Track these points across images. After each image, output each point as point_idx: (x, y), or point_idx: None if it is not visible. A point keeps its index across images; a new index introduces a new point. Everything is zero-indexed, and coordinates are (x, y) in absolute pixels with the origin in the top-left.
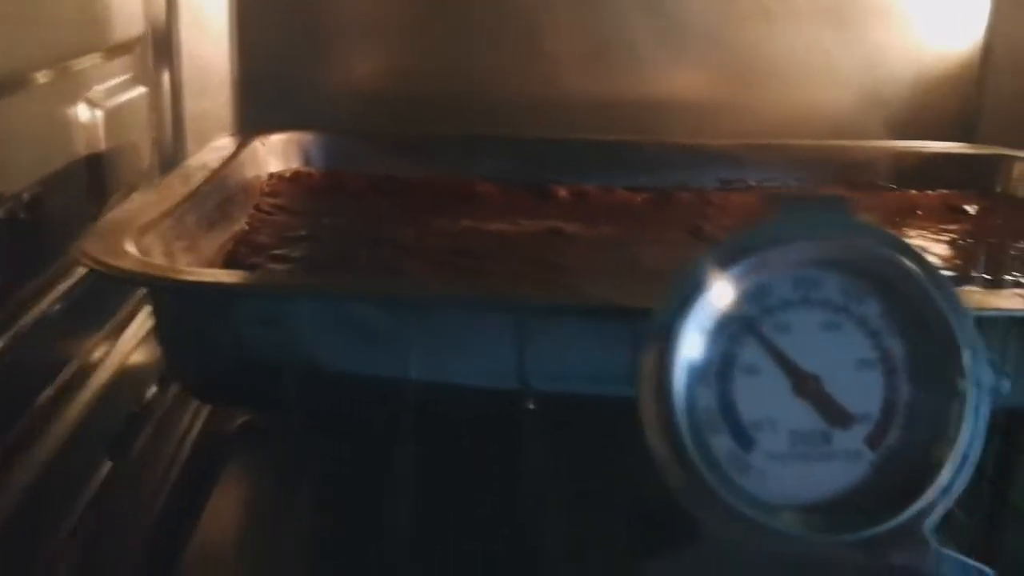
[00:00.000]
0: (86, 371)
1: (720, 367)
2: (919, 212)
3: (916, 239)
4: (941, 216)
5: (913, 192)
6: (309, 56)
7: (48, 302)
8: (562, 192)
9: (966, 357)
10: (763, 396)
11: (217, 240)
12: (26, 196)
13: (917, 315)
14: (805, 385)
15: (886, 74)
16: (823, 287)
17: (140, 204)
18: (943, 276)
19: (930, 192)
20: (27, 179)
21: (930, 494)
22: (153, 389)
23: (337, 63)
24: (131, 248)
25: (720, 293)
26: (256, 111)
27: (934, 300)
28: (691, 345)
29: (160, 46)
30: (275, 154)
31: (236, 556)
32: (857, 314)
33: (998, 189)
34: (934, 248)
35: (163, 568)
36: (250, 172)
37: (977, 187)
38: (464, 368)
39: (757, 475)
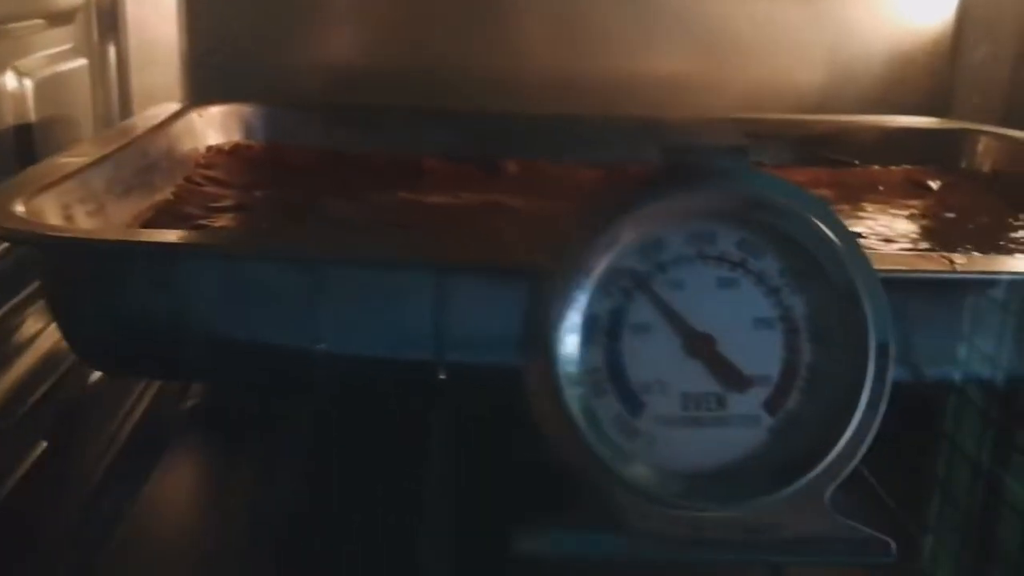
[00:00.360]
0: (24, 346)
1: (608, 325)
2: (881, 188)
3: (873, 214)
4: (904, 192)
5: (876, 168)
6: (261, 29)
7: None
8: (512, 167)
9: (871, 317)
10: (654, 356)
11: (133, 207)
12: None
13: (820, 272)
14: (698, 345)
15: (857, 49)
16: (719, 242)
17: (47, 166)
18: (850, 232)
19: (894, 168)
20: None
21: (830, 461)
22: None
23: (290, 36)
24: (20, 208)
25: (609, 247)
26: (206, 85)
27: (839, 256)
28: (577, 301)
29: (105, 18)
30: (214, 126)
31: (167, 539)
32: (755, 270)
33: (963, 164)
34: (890, 223)
35: (90, 549)
36: (186, 143)
37: (942, 162)
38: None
39: (646, 440)
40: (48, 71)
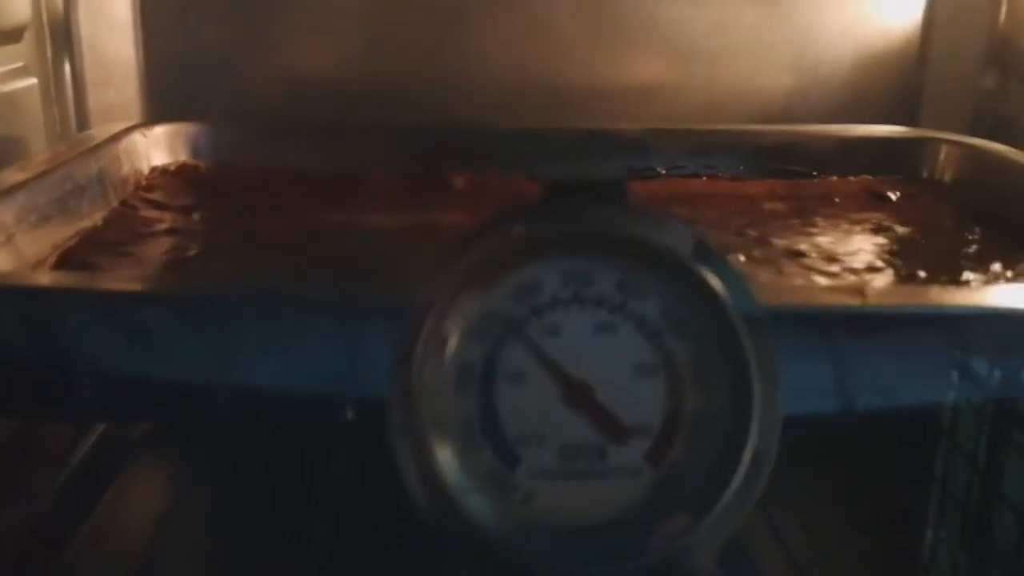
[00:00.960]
0: None
1: (482, 373)
2: (837, 200)
3: (824, 229)
4: (860, 203)
5: (834, 179)
6: (219, 45)
7: None
8: (459, 182)
9: (755, 362)
10: (530, 407)
11: (51, 236)
12: None
13: (702, 314)
14: (576, 395)
15: (821, 54)
16: (596, 283)
17: None
18: (732, 269)
19: (852, 178)
20: None
21: (715, 516)
22: None
23: (250, 52)
24: None
25: (480, 288)
26: (164, 103)
27: (720, 299)
28: (447, 348)
29: (58, 36)
30: (160, 146)
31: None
32: (636, 314)
33: (924, 174)
34: (839, 239)
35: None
36: (125, 165)
37: (902, 172)
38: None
39: (521, 496)
40: None
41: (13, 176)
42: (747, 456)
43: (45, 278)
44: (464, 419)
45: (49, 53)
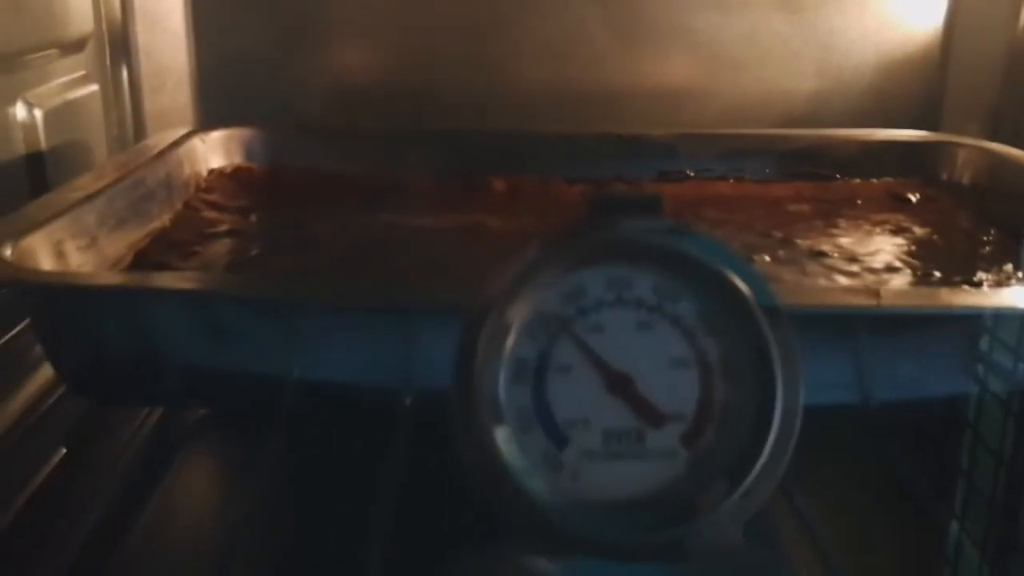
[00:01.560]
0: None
1: (535, 366)
2: (859, 201)
3: (846, 230)
4: (882, 205)
5: (857, 181)
6: (267, 53)
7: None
8: (498, 184)
9: (778, 357)
10: (577, 395)
11: (128, 238)
12: None
13: (730, 314)
14: (618, 384)
15: (845, 60)
16: (636, 287)
17: (42, 203)
18: (758, 274)
19: (875, 180)
20: None
21: (742, 492)
22: None
23: (297, 59)
24: (6, 252)
25: (534, 292)
26: (216, 108)
27: (746, 300)
28: (505, 344)
29: (117, 45)
30: (216, 150)
31: (178, 540)
32: (671, 314)
33: (944, 176)
34: (860, 239)
35: (107, 549)
36: (187, 168)
37: (923, 174)
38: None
39: (569, 474)
40: (59, 99)
41: (94, 183)
42: (770, 440)
43: (135, 278)
44: (519, 406)
45: (108, 62)
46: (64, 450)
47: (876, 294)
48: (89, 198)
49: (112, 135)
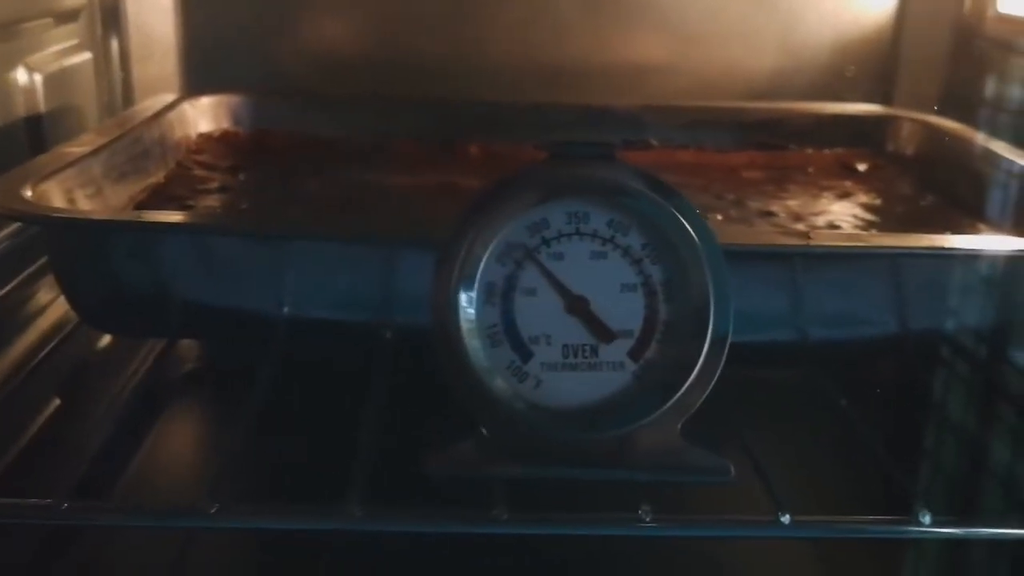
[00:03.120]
0: (36, 314)
1: (503, 289)
2: (811, 169)
3: (795, 194)
4: (832, 173)
5: (809, 151)
6: (250, 23)
7: None
8: (473, 149)
9: (712, 283)
10: (540, 314)
11: (128, 190)
12: None
13: (673, 246)
14: (575, 305)
15: (804, 37)
16: (592, 220)
17: (52, 156)
18: (696, 212)
19: (827, 151)
20: None
21: (679, 398)
22: (107, 337)
23: (277, 29)
24: (27, 193)
25: (503, 224)
26: (200, 76)
27: (687, 233)
28: (477, 269)
29: (108, 15)
30: (205, 115)
31: (169, 481)
32: (622, 245)
33: (890, 148)
34: (807, 202)
35: (100, 488)
36: (178, 131)
37: (872, 146)
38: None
39: (532, 382)
40: (56, 66)
41: (96, 139)
42: (703, 356)
43: (149, 215)
44: (490, 324)
45: (99, 31)
46: (58, 400)
47: (807, 235)
48: (94, 152)
49: (103, 101)
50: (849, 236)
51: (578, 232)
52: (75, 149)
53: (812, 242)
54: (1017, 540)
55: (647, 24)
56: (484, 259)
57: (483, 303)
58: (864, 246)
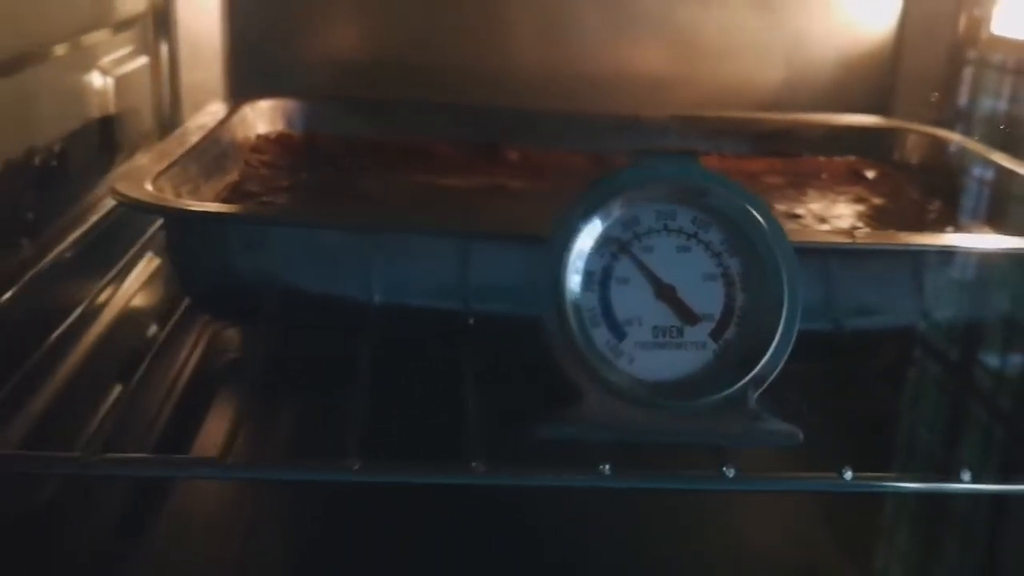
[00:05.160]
0: (97, 310)
1: (601, 278)
2: (824, 176)
3: (815, 198)
4: (844, 179)
5: (821, 159)
6: (290, 30)
7: (67, 244)
8: (512, 154)
9: (785, 274)
10: (633, 300)
11: (214, 188)
12: (56, 147)
13: (750, 241)
14: (664, 292)
15: (810, 54)
16: (679, 218)
17: (152, 156)
18: (769, 211)
19: (837, 159)
20: (55, 134)
21: (754, 375)
22: (153, 328)
23: (313, 36)
24: (149, 187)
25: (601, 220)
26: (243, 79)
27: (763, 232)
28: (579, 259)
29: (160, 22)
30: (262, 118)
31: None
32: (704, 240)
33: (895, 157)
34: (827, 206)
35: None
36: (239, 133)
37: (879, 155)
38: (415, 289)
39: (627, 359)
40: (120, 70)
41: (190, 139)
42: (776, 337)
43: (260, 209)
44: (590, 307)
45: (152, 38)
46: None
47: (851, 234)
48: (189, 152)
49: (155, 104)
50: (887, 235)
51: (666, 228)
52: (173, 148)
53: (857, 240)
54: None
55: (663, 38)
56: (587, 252)
57: (584, 289)
58: (898, 244)
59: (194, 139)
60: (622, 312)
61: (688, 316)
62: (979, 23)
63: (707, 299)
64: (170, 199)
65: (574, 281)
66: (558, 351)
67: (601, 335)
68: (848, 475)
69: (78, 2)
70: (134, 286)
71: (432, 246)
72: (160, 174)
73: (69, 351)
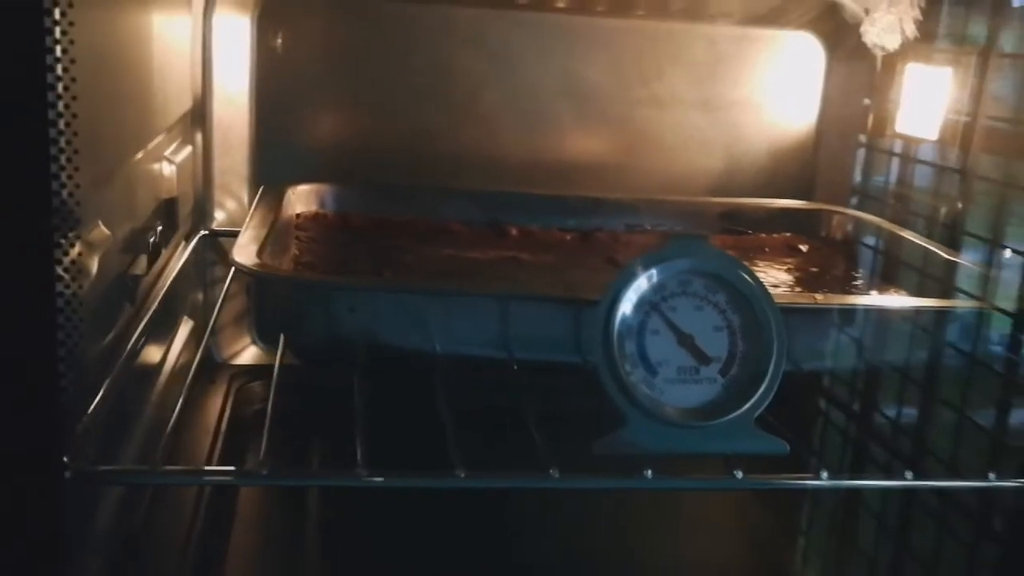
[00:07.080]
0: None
1: (638, 329)
2: (767, 250)
3: (763, 268)
4: (783, 253)
5: (763, 235)
6: (306, 123)
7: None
8: (513, 231)
9: (773, 327)
10: (662, 347)
11: (285, 261)
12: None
13: (747, 302)
14: (685, 340)
15: (746, 146)
16: (694, 285)
17: (248, 235)
18: (760, 281)
19: (776, 235)
20: (144, 213)
21: (752, 403)
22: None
23: (327, 127)
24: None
25: (638, 288)
26: (265, 165)
27: (756, 294)
28: (622, 317)
29: (197, 116)
30: (300, 199)
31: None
32: (713, 300)
33: (823, 233)
34: (774, 275)
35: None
36: (285, 213)
37: (809, 232)
38: (469, 340)
39: (658, 391)
40: (178, 158)
41: (266, 221)
42: (769, 374)
43: (341, 278)
44: (630, 352)
45: (189, 130)
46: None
47: (814, 297)
48: (270, 232)
49: (194, 186)
50: (842, 297)
51: (684, 292)
52: (256, 231)
53: (820, 301)
54: None
55: (625, 133)
56: (627, 311)
57: (624, 339)
58: (852, 304)
59: (268, 221)
60: (654, 356)
61: (703, 358)
62: (884, 122)
63: (717, 345)
64: (286, 271)
65: (619, 334)
66: (608, 386)
67: (639, 374)
68: (825, 475)
69: (156, 109)
70: (178, 346)
71: (490, 306)
72: (262, 249)
73: None
